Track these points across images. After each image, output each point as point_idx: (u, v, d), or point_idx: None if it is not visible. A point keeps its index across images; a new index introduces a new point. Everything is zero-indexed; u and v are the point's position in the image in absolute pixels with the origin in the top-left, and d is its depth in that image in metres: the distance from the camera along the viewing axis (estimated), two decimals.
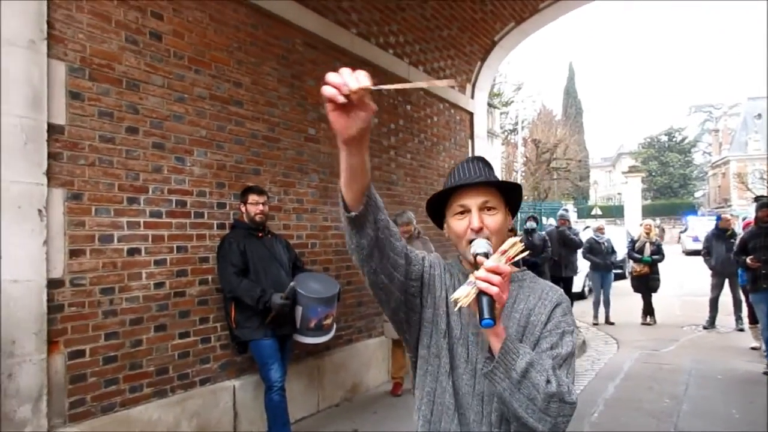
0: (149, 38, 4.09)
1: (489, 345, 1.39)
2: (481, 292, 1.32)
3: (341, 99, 1.14)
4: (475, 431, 1.48)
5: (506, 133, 31.66)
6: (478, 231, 1.51)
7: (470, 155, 8.83)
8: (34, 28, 3.35)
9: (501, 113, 29.42)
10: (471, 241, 1.50)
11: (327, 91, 1.14)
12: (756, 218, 7.03)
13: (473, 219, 1.52)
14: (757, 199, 7.54)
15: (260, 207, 4.46)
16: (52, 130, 3.45)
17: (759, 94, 57.06)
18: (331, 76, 1.13)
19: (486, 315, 1.31)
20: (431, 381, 1.54)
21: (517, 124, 32.23)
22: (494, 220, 1.53)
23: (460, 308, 1.36)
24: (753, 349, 8.05)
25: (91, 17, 3.71)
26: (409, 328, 1.58)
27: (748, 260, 6.78)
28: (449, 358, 1.52)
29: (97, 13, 3.74)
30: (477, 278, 1.34)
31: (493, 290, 1.31)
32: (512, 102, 32.54)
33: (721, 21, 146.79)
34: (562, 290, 1.61)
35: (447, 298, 1.55)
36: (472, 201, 1.53)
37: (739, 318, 9.46)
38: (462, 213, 1.55)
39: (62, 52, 3.53)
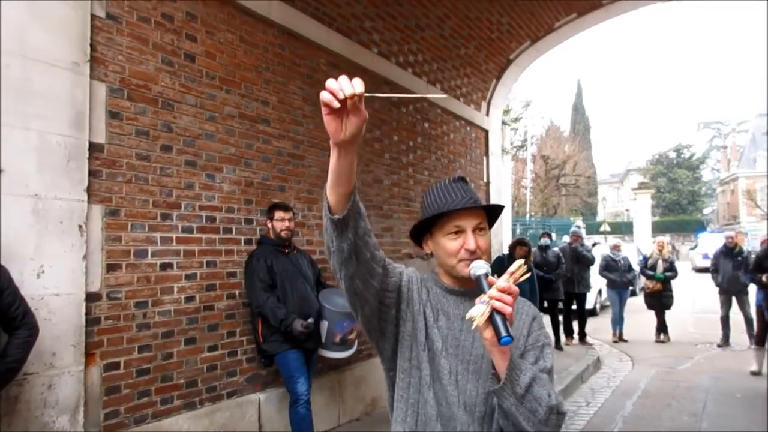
0: (183, 59, 4.22)
1: (493, 363, 1.46)
2: (494, 311, 1.39)
3: (336, 104, 1.25)
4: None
5: (515, 149, 31.80)
6: (473, 252, 1.58)
7: (491, 178, 8.96)
8: (78, 50, 3.48)
9: (510, 129, 29.60)
10: (461, 260, 1.58)
11: (324, 96, 1.25)
12: None
13: (469, 241, 1.58)
14: None
15: (286, 223, 4.56)
16: (93, 148, 3.56)
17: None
18: (329, 82, 1.24)
19: (504, 333, 1.38)
20: (414, 393, 1.60)
21: (526, 140, 32.38)
22: (485, 240, 1.63)
23: (475, 326, 1.42)
24: (753, 374, 7.73)
25: (131, 39, 3.84)
26: (382, 337, 1.64)
27: (763, 278, 6.81)
28: (430, 370, 1.58)
29: (136, 36, 3.87)
30: (491, 297, 1.41)
31: (507, 310, 1.39)
32: (521, 118, 32.76)
33: (730, 38, 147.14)
34: (531, 303, 1.71)
35: (425, 312, 1.62)
36: (468, 223, 1.60)
37: (752, 335, 9.45)
38: (456, 233, 1.60)
39: (103, 73, 3.66)
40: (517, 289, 1.43)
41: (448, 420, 1.56)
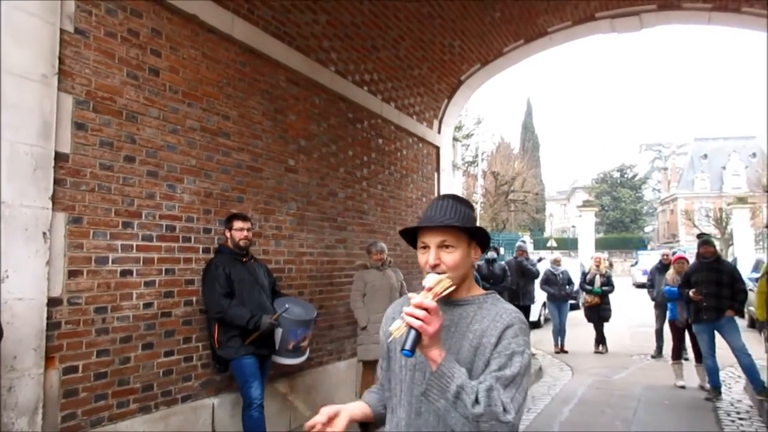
0: (148, 73, 4.37)
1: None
2: (410, 325, 1.50)
3: None
4: None
5: (466, 165, 32.50)
6: (434, 267, 1.67)
7: (442, 192, 9.29)
8: (47, 63, 3.60)
9: (462, 145, 30.27)
10: (427, 273, 1.67)
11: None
12: (698, 254, 7.60)
13: (430, 256, 1.68)
14: (699, 236, 8.13)
15: (245, 233, 4.73)
16: (58, 157, 3.68)
17: (705, 135, 59.97)
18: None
19: (406, 346, 1.49)
20: (394, 420, 1.77)
21: (477, 156, 33.11)
22: (451, 257, 1.67)
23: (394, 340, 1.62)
24: (679, 387, 8.06)
25: (98, 54, 3.97)
26: None
27: (690, 293, 7.30)
28: (389, 389, 1.79)
29: (102, 50, 4.01)
30: (405, 313, 1.51)
31: (416, 323, 1.48)
32: (472, 135, 33.52)
33: (671, 65, 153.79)
34: (518, 313, 1.70)
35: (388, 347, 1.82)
36: (432, 240, 1.69)
37: (683, 348, 10.03)
38: (424, 248, 1.72)
39: (70, 85, 3.79)
40: (432, 304, 1.51)
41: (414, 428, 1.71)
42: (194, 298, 4.72)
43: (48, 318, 3.59)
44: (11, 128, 3.39)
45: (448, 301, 1.68)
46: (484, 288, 7.03)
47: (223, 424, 4.89)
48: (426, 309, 1.50)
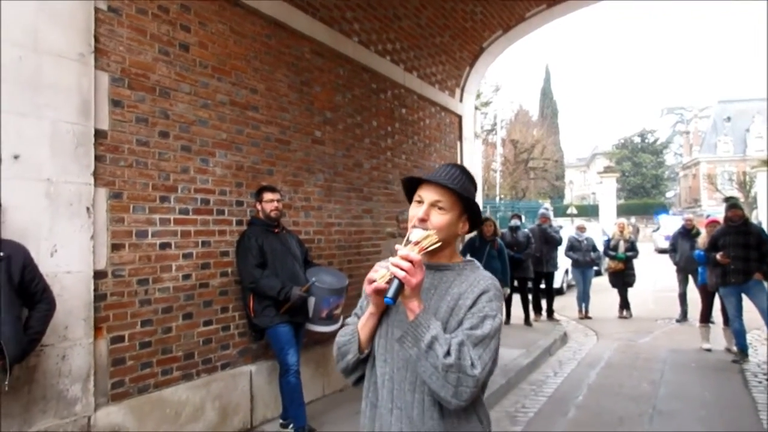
0: (178, 49, 4.43)
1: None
2: (394, 275, 1.59)
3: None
4: (405, 399, 1.73)
5: (485, 134, 32.27)
6: (421, 221, 1.72)
7: (465, 161, 9.31)
8: (83, 42, 3.68)
9: (480, 113, 30.00)
10: (414, 227, 1.73)
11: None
12: (725, 218, 7.57)
13: (420, 210, 1.74)
14: (727, 200, 8.09)
15: (275, 204, 4.82)
16: (98, 134, 3.78)
17: (728, 97, 58.75)
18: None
19: (389, 294, 1.58)
20: (372, 371, 1.82)
21: (495, 124, 32.86)
22: (440, 218, 1.73)
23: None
24: (705, 350, 8.12)
25: (130, 31, 4.04)
26: None
27: (718, 256, 7.30)
28: (376, 346, 1.83)
29: (134, 27, 4.07)
30: (391, 263, 1.61)
31: (400, 274, 1.57)
32: (491, 103, 33.20)
33: (692, 25, 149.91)
34: (494, 280, 1.78)
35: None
36: (428, 196, 1.75)
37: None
38: (419, 203, 1.77)
39: (106, 63, 3.86)
40: (417, 257, 1.59)
41: (394, 383, 1.76)
42: (229, 269, 4.85)
43: (94, 290, 3.73)
44: (52, 107, 3.49)
45: (430, 266, 1.76)
46: (510, 256, 7.11)
47: (261, 390, 5.05)
48: (411, 261, 1.58)
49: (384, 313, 1.78)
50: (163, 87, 4.30)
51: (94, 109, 3.74)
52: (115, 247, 3.91)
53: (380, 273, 1.64)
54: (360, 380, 1.86)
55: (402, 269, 1.58)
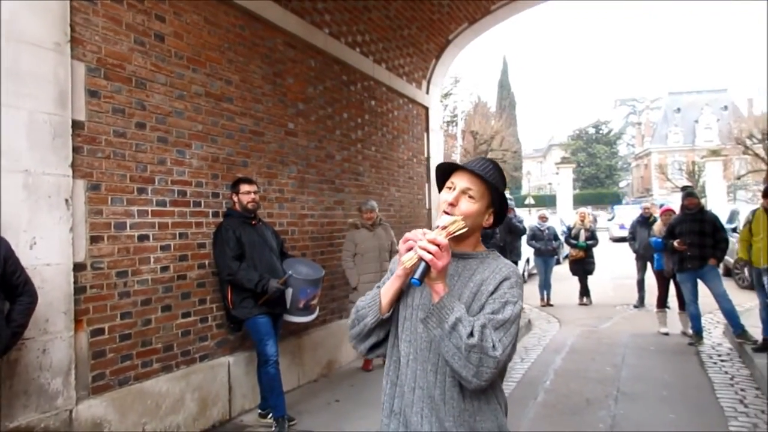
0: (154, 39, 4.39)
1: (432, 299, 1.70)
2: (421, 258, 1.64)
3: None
4: (427, 379, 1.77)
5: (446, 125, 32.53)
6: (450, 205, 1.78)
7: (432, 152, 9.43)
8: (59, 31, 3.62)
9: (441, 105, 30.22)
10: (444, 212, 1.78)
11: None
12: (682, 206, 7.87)
13: (451, 195, 1.80)
14: (683, 188, 8.40)
15: (252, 195, 4.83)
16: (75, 125, 3.73)
17: (678, 89, 60.61)
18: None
19: (415, 276, 1.64)
20: (395, 351, 1.86)
21: (456, 116, 33.15)
22: (468, 206, 1.79)
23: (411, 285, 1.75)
24: (663, 334, 8.48)
25: (105, 20, 3.99)
26: None
27: (675, 243, 7.60)
28: (396, 330, 1.87)
29: (110, 17, 4.02)
30: (419, 246, 1.64)
31: (427, 257, 1.62)
32: (451, 94, 33.46)
33: (644, 19, 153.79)
34: (516, 268, 1.83)
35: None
36: (460, 182, 1.81)
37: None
38: (450, 189, 1.82)
39: (82, 53, 3.81)
40: (444, 241, 1.64)
41: (418, 363, 1.81)
42: (207, 261, 4.84)
43: (74, 283, 3.70)
44: (29, 97, 3.44)
45: (455, 254, 1.80)
46: None
47: (239, 381, 5.07)
48: (438, 245, 1.62)
49: (409, 295, 1.84)
50: (139, 78, 4.26)
51: (71, 99, 3.69)
52: (94, 239, 3.88)
53: (408, 255, 1.69)
54: (372, 349, 1.88)
55: (429, 252, 1.62)
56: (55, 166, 3.57)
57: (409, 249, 1.70)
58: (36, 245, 3.45)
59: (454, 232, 1.71)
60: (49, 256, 3.52)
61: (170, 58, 4.53)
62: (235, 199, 4.84)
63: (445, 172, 1.89)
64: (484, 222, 1.87)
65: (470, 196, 1.80)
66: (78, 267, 3.74)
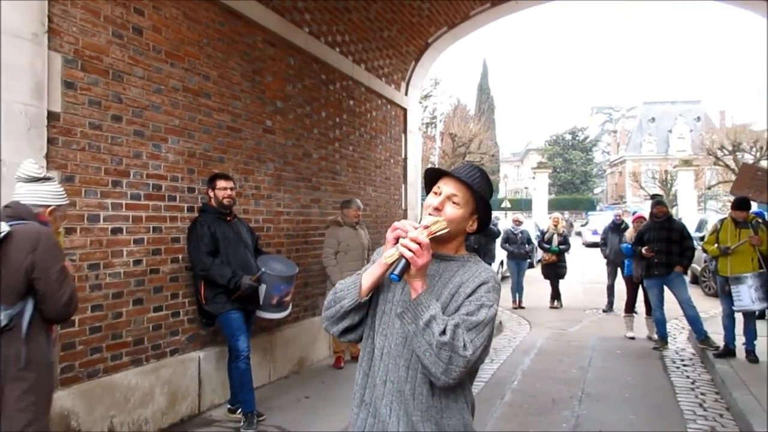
0: (132, 33, 4.39)
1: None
2: (402, 255, 1.69)
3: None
4: (399, 373, 1.82)
5: (425, 126, 32.70)
6: (435, 210, 1.83)
7: (410, 153, 9.51)
8: (37, 21, 3.61)
9: (420, 106, 30.37)
10: (429, 215, 1.82)
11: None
12: (651, 214, 8.07)
13: (436, 200, 1.85)
14: (653, 197, 8.62)
15: (228, 192, 4.85)
16: (50, 117, 3.73)
17: (653, 99, 61.63)
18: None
19: (395, 272, 1.69)
20: (370, 342, 1.91)
21: (435, 117, 33.33)
22: (452, 211, 1.84)
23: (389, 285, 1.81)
24: (629, 338, 8.72)
25: (84, 12, 3.98)
26: None
27: (643, 250, 7.78)
28: (372, 323, 1.93)
29: (88, 9, 4.01)
30: (401, 243, 1.69)
31: (407, 254, 1.67)
32: (430, 96, 33.64)
33: (621, 27, 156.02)
34: (495, 273, 1.88)
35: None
36: (446, 188, 1.87)
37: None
38: (436, 194, 1.87)
39: (59, 44, 3.80)
40: (426, 240, 1.68)
41: (391, 358, 1.86)
42: (180, 256, 4.85)
43: None
44: (5, 88, 3.43)
45: (438, 255, 1.85)
46: None
47: (209, 376, 5.09)
48: (419, 243, 1.67)
49: (390, 290, 1.89)
50: (117, 70, 4.26)
51: (47, 90, 3.68)
52: (67, 231, 3.86)
53: (390, 251, 1.74)
54: (345, 332, 1.91)
55: (410, 250, 1.67)
56: (30, 157, 3.54)
57: (397, 238, 1.75)
58: None
59: (435, 232, 1.76)
60: None
61: (148, 51, 4.53)
62: (211, 194, 4.85)
63: (434, 176, 1.95)
64: (468, 227, 1.92)
65: (455, 202, 1.86)
66: None
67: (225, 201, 4.82)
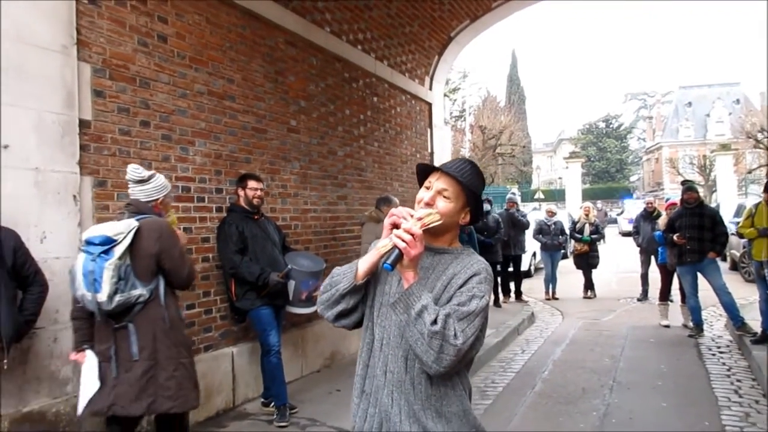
0: (157, 40, 4.54)
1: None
2: (395, 245, 1.74)
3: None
4: (398, 364, 1.87)
5: (454, 120, 32.61)
6: (427, 205, 1.87)
7: (436, 148, 9.55)
8: (66, 34, 3.78)
9: (449, 100, 30.32)
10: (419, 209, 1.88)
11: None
12: (681, 200, 7.96)
13: (427, 195, 1.89)
14: (684, 182, 8.47)
15: (258, 192, 4.98)
16: (82, 124, 3.90)
17: (689, 83, 60.14)
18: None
19: (387, 261, 1.74)
20: (369, 334, 1.95)
21: (464, 110, 33.19)
22: (444, 205, 1.88)
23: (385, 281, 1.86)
24: (664, 326, 8.56)
25: (110, 23, 4.14)
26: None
27: (674, 237, 7.69)
28: (371, 314, 1.95)
29: (114, 19, 4.18)
30: (394, 234, 1.74)
31: (400, 245, 1.72)
32: (459, 89, 33.51)
33: (655, 13, 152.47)
34: (487, 265, 1.91)
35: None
36: (437, 183, 1.91)
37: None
38: (427, 188, 1.92)
39: (87, 54, 3.97)
40: (419, 231, 1.74)
41: (389, 348, 1.91)
42: (210, 255, 5.00)
43: None
44: (37, 98, 3.60)
45: (431, 248, 1.91)
46: (480, 241, 7.33)
47: (242, 370, 5.24)
48: (412, 234, 1.73)
49: (387, 283, 1.95)
50: (143, 77, 4.41)
51: (77, 99, 3.85)
52: None
53: (383, 242, 1.80)
54: (340, 317, 1.95)
55: (403, 240, 1.72)
56: (63, 164, 3.74)
57: (394, 225, 1.81)
58: (46, 239, 3.62)
59: (428, 224, 1.81)
60: (58, 250, 3.69)
61: (173, 58, 4.69)
62: (241, 194, 4.97)
63: (425, 171, 2.01)
64: (461, 220, 1.96)
65: (446, 197, 1.90)
66: None
67: (255, 201, 4.95)
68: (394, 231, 1.76)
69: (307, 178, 6.37)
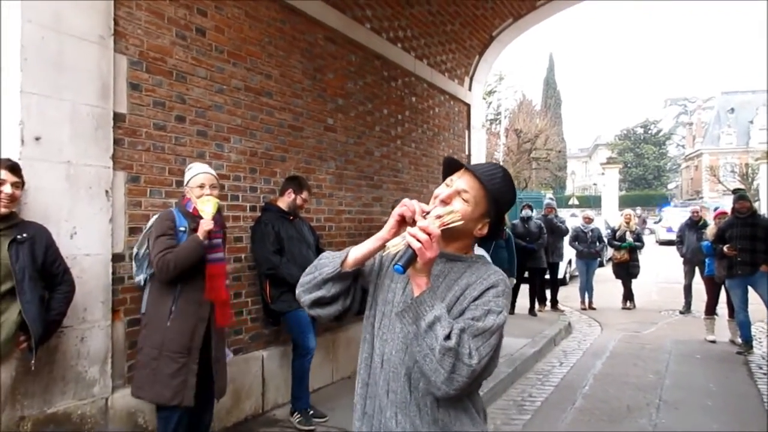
0: (195, 33, 4.42)
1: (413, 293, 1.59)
2: (409, 245, 1.51)
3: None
4: (400, 382, 1.67)
5: (489, 123, 32.22)
6: (442, 203, 1.67)
7: (473, 150, 9.32)
8: (103, 25, 3.67)
9: (485, 102, 29.92)
10: (436, 206, 1.67)
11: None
12: (733, 209, 7.58)
13: (445, 192, 1.69)
14: (735, 191, 8.09)
15: (305, 203, 4.95)
16: (116, 118, 3.78)
17: (732, 88, 58.55)
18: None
19: (399, 262, 1.51)
20: (368, 347, 1.76)
21: (499, 113, 32.77)
22: (459, 207, 1.67)
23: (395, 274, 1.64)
24: (710, 342, 8.20)
25: (148, 14, 4.03)
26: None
27: (725, 248, 7.32)
28: (371, 326, 1.76)
29: (152, 11, 4.06)
30: (408, 233, 1.52)
31: (415, 245, 1.49)
32: (494, 92, 33.08)
33: (697, 16, 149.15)
34: (505, 277, 1.72)
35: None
36: (459, 182, 1.71)
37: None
38: (447, 186, 1.72)
39: (124, 46, 3.86)
40: (437, 231, 1.52)
41: (391, 365, 1.69)
42: (243, 255, 4.87)
43: (112, 273, 3.75)
44: (72, 90, 3.50)
45: (443, 255, 1.70)
46: (523, 247, 7.12)
47: (272, 373, 5.09)
48: (429, 234, 1.50)
49: (390, 291, 1.75)
50: (180, 71, 4.29)
51: (113, 92, 3.74)
52: (132, 231, 3.92)
53: (395, 240, 1.57)
54: (315, 304, 1.74)
55: (418, 240, 1.50)
56: (97, 158, 3.63)
57: (401, 216, 1.60)
58: (76, 235, 3.51)
59: (448, 223, 1.60)
60: (88, 246, 3.58)
61: (211, 52, 4.56)
62: (290, 196, 4.81)
63: (451, 167, 1.80)
64: (477, 231, 1.74)
65: (464, 199, 1.69)
66: (116, 258, 3.79)
67: (298, 210, 4.85)
68: (408, 229, 1.53)
69: (342, 178, 6.20)
